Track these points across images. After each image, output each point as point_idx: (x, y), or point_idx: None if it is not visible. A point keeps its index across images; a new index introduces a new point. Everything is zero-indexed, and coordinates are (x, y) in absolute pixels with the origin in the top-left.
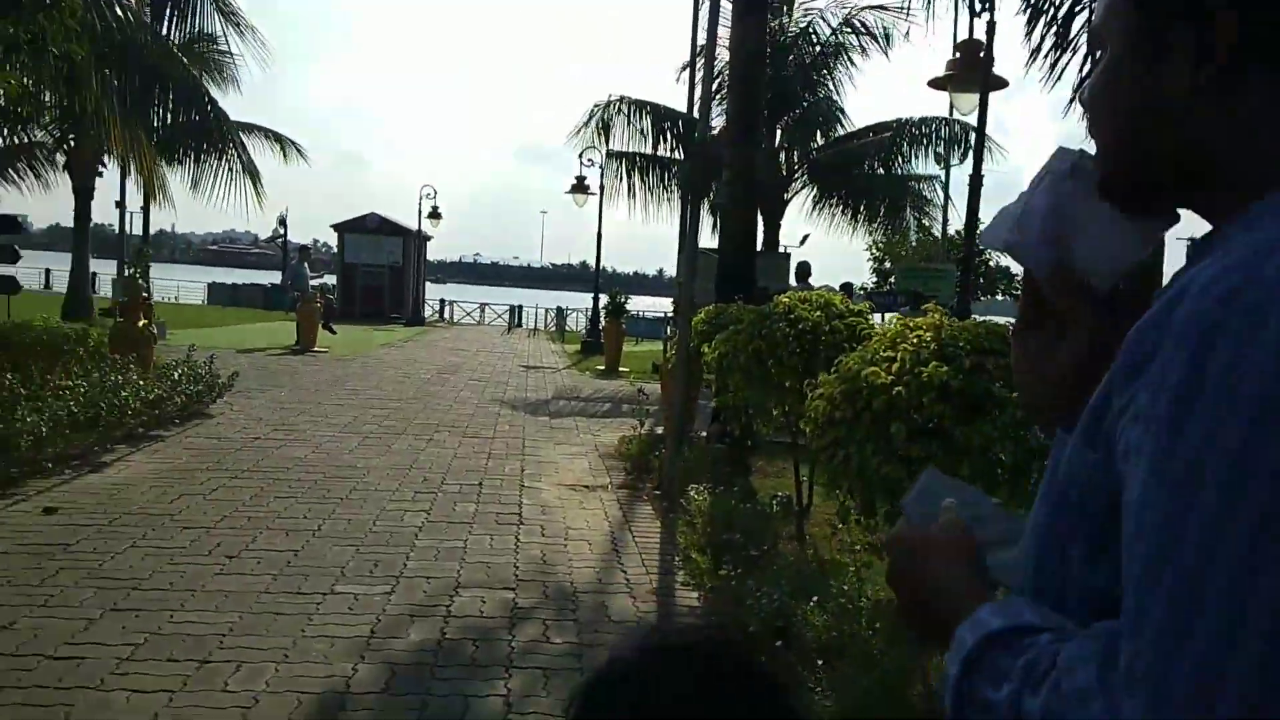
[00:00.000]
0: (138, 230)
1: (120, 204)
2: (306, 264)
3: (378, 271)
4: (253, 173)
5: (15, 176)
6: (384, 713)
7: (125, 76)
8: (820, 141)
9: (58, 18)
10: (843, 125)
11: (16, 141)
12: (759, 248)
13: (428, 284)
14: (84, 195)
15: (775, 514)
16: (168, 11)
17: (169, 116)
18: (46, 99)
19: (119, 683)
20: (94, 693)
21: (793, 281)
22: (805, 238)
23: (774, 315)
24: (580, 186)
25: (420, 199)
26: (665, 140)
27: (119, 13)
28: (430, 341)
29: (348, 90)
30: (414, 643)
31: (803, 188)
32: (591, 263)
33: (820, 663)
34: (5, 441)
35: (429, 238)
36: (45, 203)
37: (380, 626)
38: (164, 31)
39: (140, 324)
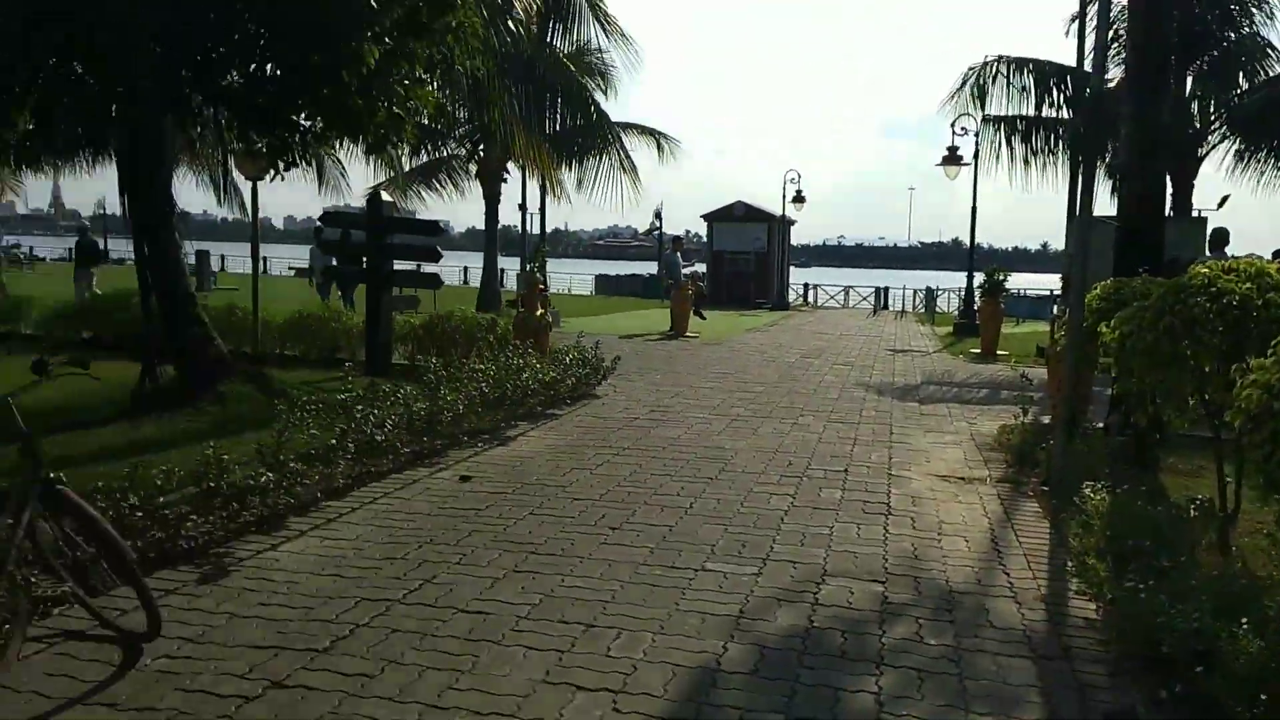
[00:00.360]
0: (537, 229)
1: (522, 206)
2: (679, 253)
3: (744, 258)
4: (632, 169)
5: (437, 186)
6: (753, 696)
7: (522, 87)
8: (1244, 86)
9: (463, 38)
10: (1274, 64)
11: (436, 155)
12: (1167, 213)
13: (792, 268)
14: (492, 200)
15: (1192, 519)
16: (551, 24)
17: (560, 122)
18: (459, 114)
19: (518, 639)
20: (496, 646)
21: (1206, 251)
22: (1224, 199)
23: (1190, 288)
24: (952, 158)
25: (784, 184)
26: (1050, 100)
27: (512, 27)
28: (794, 326)
29: (709, 82)
30: (782, 627)
31: (1220, 141)
32: (964, 239)
33: (1262, 697)
34: (432, 418)
35: (793, 222)
36: (460, 207)
37: (749, 608)
38: (551, 41)
39: (538, 313)
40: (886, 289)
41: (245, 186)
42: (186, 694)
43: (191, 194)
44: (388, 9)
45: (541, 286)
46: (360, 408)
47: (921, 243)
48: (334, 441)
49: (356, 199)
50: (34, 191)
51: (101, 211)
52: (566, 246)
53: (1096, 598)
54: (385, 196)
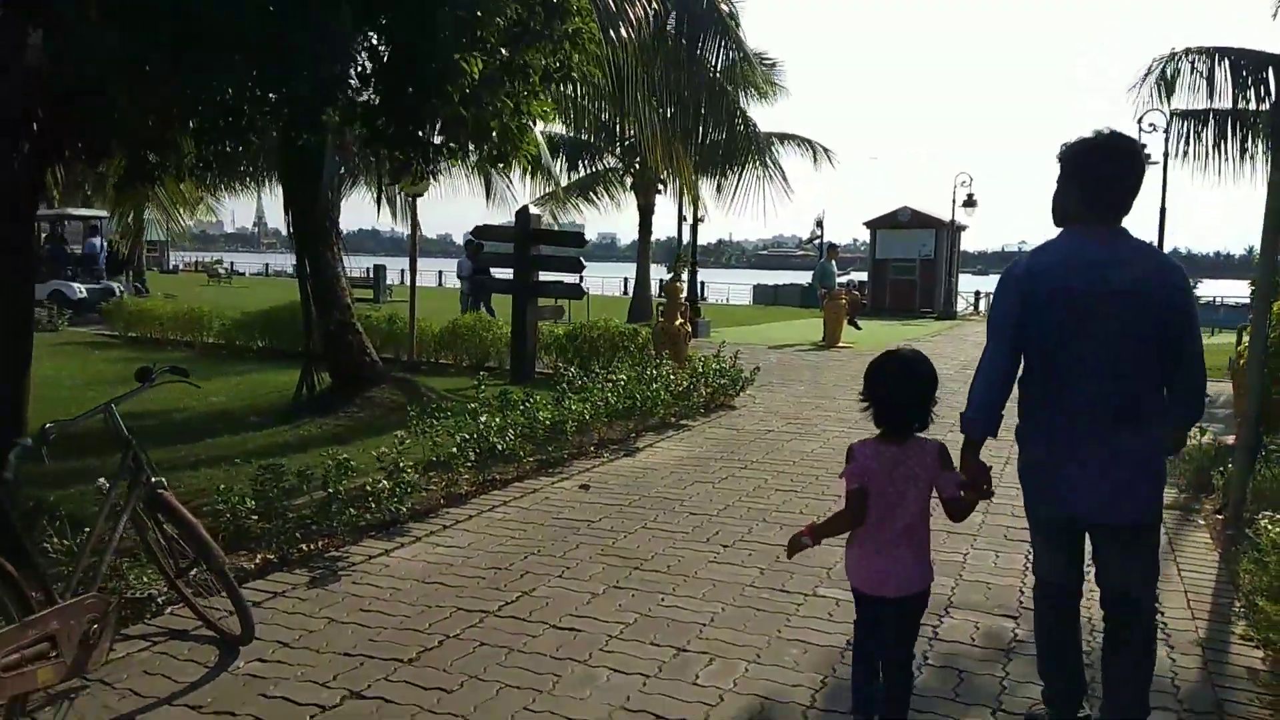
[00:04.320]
0: (701, 240)
1: (682, 217)
2: (834, 261)
3: (908, 265)
4: (781, 178)
5: (593, 198)
6: None
7: (666, 96)
8: None
9: (580, 45)
10: None
11: (594, 168)
12: None
13: (963, 276)
14: (645, 211)
15: None
16: (702, 38)
17: (706, 135)
18: (612, 125)
19: (604, 660)
20: (581, 666)
21: None
22: None
23: None
24: None
25: (955, 187)
26: (1249, 92)
27: (645, 37)
28: (959, 335)
29: (879, 85)
30: None
31: None
32: (1154, 241)
33: None
34: (555, 427)
35: (963, 227)
36: (621, 220)
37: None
38: (708, 57)
39: (678, 322)
40: None
41: (423, 204)
42: (267, 700)
43: (371, 210)
44: (490, 19)
45: (683, 295)
46: (485, 416)
47: None
48: (455, 450)
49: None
50: (242, 210)
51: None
52: (730, 257)
53: (1264, 644)
54: (534, 210)
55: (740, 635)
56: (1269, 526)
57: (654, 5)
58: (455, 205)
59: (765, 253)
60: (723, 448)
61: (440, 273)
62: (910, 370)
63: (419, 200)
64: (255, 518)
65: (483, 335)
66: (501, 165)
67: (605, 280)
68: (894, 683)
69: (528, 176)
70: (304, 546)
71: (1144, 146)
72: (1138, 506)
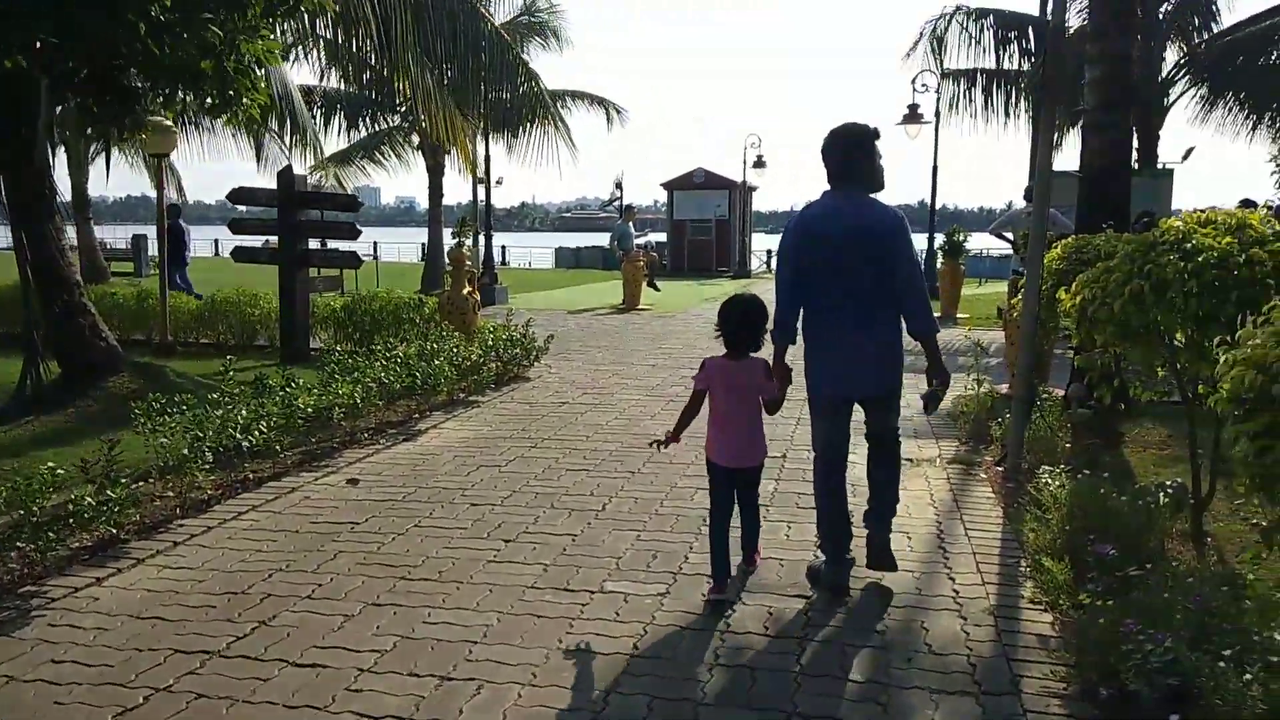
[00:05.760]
0: (502, 203)
1: (477, 179)
2: (631, 223)
3: (704, 225)
4: (568, 137)
5: (380, 159)
6: None
7: (442, 54)
8: (1211, 31)
9: None
10: (1242, 4)
11: (376, 127)
12: (1133, 165)
13: (756, 235)
14: (435, 173)
15: (1161, 508)
16: None
17: (489, 91)
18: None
19: (350, 702)
20: (319, 714)
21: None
22: (1189, 151)
23: (1160, 245)
24: (913, 116)
25: (745, 149)
26: (1010, 51)
27: None
28: (755, 291)
29: (681, 47)
30: (680, 665)
31: (1188, 89)
32: (928, 200)
33: None
34: (320, 414)
35: (754, 188)
36: (411, 181)
37: (644, 640)
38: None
39: (465, 291)
40: None
41: (184, 167)
42: None
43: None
44: None
45: (469, 262)
46: (225, 408)
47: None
48: (186, 451)
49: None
50: None
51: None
52: (534, 220)
53: (1052, 608)
54: (315, 174)
55: (514, 652)
56: (1049, 481)
57: None
58: (223, 166)
59: (569, 215)
60: (513, 425)
61: (216, 240)
62: (745, 308)
63: (173, 159)
64: None
65: (247, 311)
66: (225, 117)
67: (402, 247)
68: (746, 520)
69: (298, 135)
70: None
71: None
72: (882, 382)
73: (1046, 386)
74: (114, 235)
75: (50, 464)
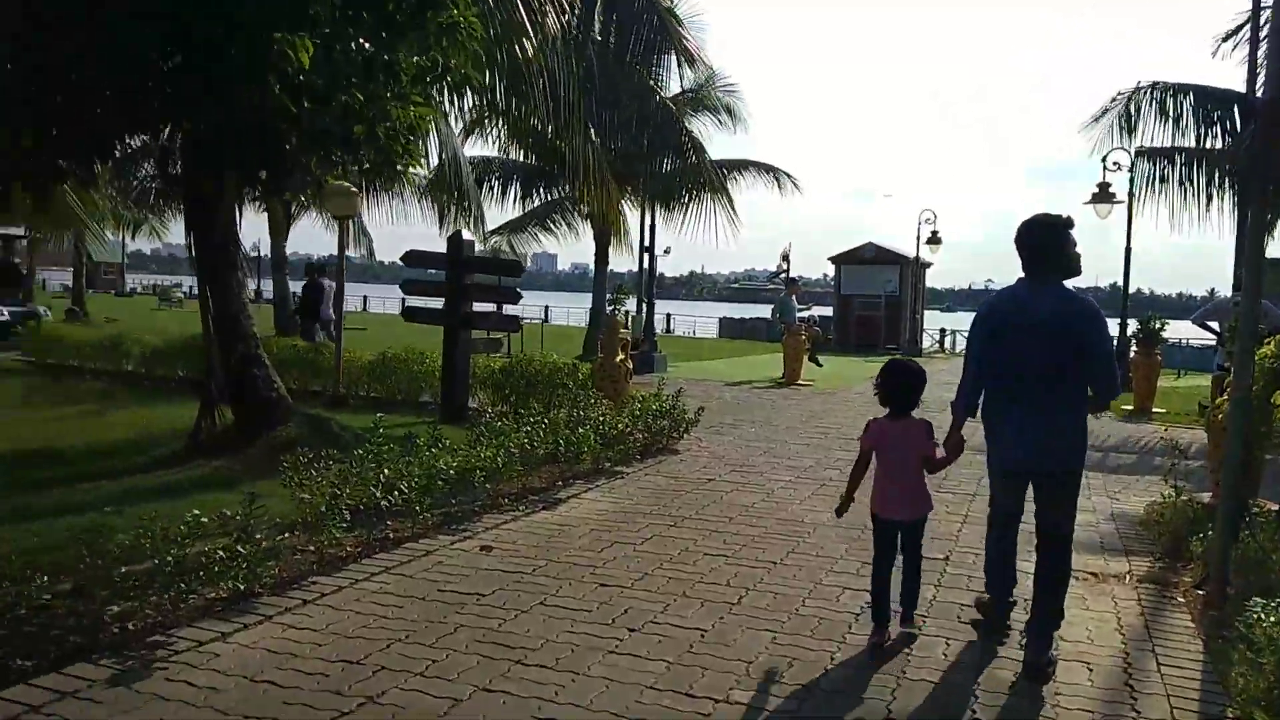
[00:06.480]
0: (672, 271)
1: (644, 248)
2: (794, 296)
3: (873, 301)
4: (730, 210)
5: (551, 227)
6: None
7: (605, 122)
8: None
9: (459, 40)
10: None
11: (549, 196)
12: None
13: (929, 312)
14: (601, 240)
15: None
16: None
17: (655, 161)
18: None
19: None
20: None
21: None
22: None
23: None
24: (1103, 195)
25: (919, 224)
26: (1211, 129)
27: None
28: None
29: (853, 125)
30: None
31: None
32: (1121, 284)
33: None
34: (460, 476)
35: (928, 264)
36: (578, 249)
37: None
38: (655, 73)
39: (617, 359)
40: None
41: (375, 230)
42: None
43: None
44: None
45: (623, 329)
46: (369, 465)
47: (1077, 288)
48: (324, 508)
49: (479, 239)
50: None
51: (254, 253)
52: (702, 289)
53: None
54: (466, 235)
55: None
56: (1262, 616)
57: (578, 7)
58: (408, 229)
59: (736, 286)
60: (655, 500)
61: (402, 300)
62: (905, 370)
63: (374, 225)
64: (48, 597)
65: (414, 368)
66: (381, 179)
67: (572, 312)
68: (907, 575)
69: (464, 203)
70: (119, 628)
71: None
72: (1057, 458)
73: (1257, 499)
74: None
75: (195, 512)
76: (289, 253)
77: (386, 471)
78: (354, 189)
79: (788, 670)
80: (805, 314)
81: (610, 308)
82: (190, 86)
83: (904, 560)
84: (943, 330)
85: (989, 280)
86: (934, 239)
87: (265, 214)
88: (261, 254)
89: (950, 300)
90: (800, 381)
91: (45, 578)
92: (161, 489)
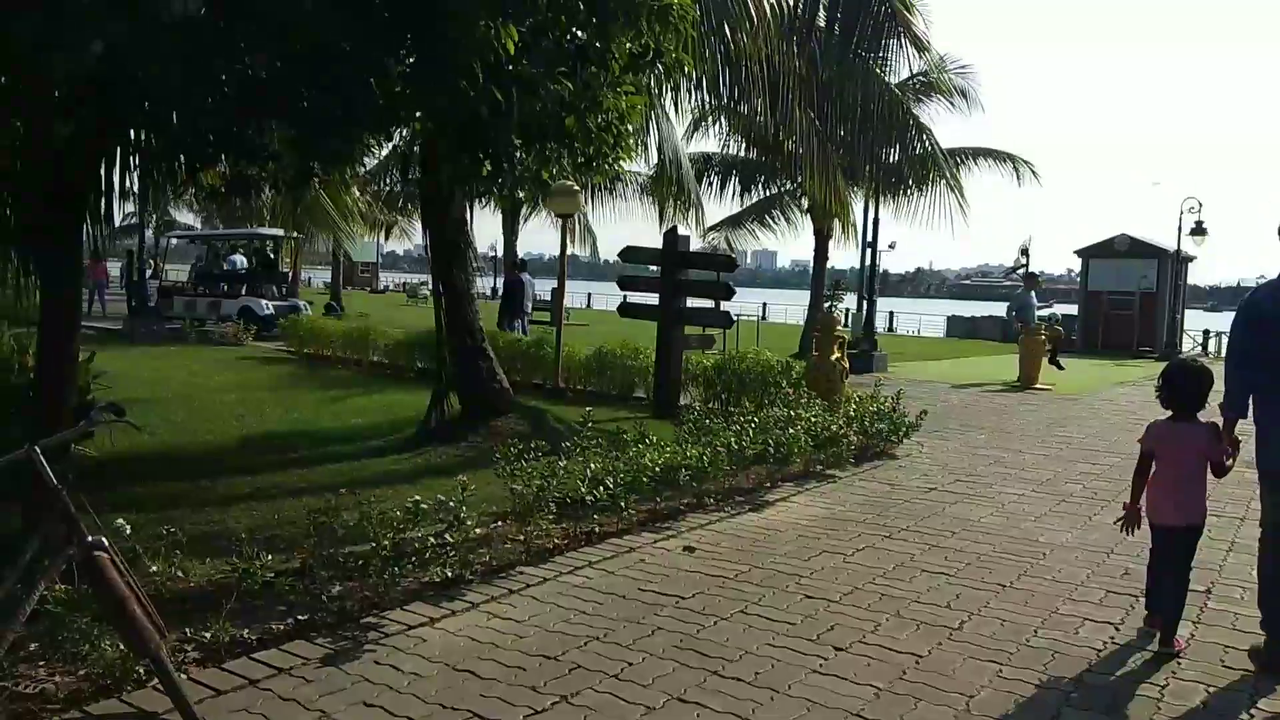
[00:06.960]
0: (896, 268)
1: (867, 243)
2: (1033, 292)
3: (1125, 299)
4: (961, 200)
5: (769, 222)
6: None
7: (830, 112)
8: None
9: (671, 22)
10: None
11: (768, 191)
12: None
13: (1191, 312)
14: (821, 236)
15: None
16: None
17: (879, 151)
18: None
19: None
20: None
21: None
22: None
23: None
24: None
25: (1181, 214)
26: None
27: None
28: None
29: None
30: None
31: None
32: None
33: None
34: (665, 474)
35: (1190, 258)
36: (795, 245)
37: None
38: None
39: (833, 357)
40: None
41: (598, 229)
42: None
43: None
44: None
45: (838, 327)
46: (574, 458)
47: None
48: (532, 500)
49: (697, 236)
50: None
51: (493, 253)
52: (929, 286)
53: None
54: (681, 231)
55: None
56: None
57: None
58: (630, 229)
59: (967, 282)
60: (868, 508)
61: (625, 296)
62: (1190, 371)
63: (597, 224)
64: (272, 575)
65: (629, 364)
66: (593, 172)
67: (790, 309)
68: (1174, 588)
69: (683, 199)
70: (338, 608)
71: None
72: None
73: None
74: (543, 288)
75: (416, 498)
76: (524, 252)
77: (594, 466)
78: (575, 187)
79: (1012, 711)
80: (1046, 312)
81: (826, 304)
82: (421, 80)
83: (1172, 571)
84: (1206, 332)
85: (1260, 275)
86: (1199, 230)
87: (499, 215)
88: (497, 254)
89: (1215, 298)
90: (1038, 386)
91: (272, 556)
92: (391, 473)
